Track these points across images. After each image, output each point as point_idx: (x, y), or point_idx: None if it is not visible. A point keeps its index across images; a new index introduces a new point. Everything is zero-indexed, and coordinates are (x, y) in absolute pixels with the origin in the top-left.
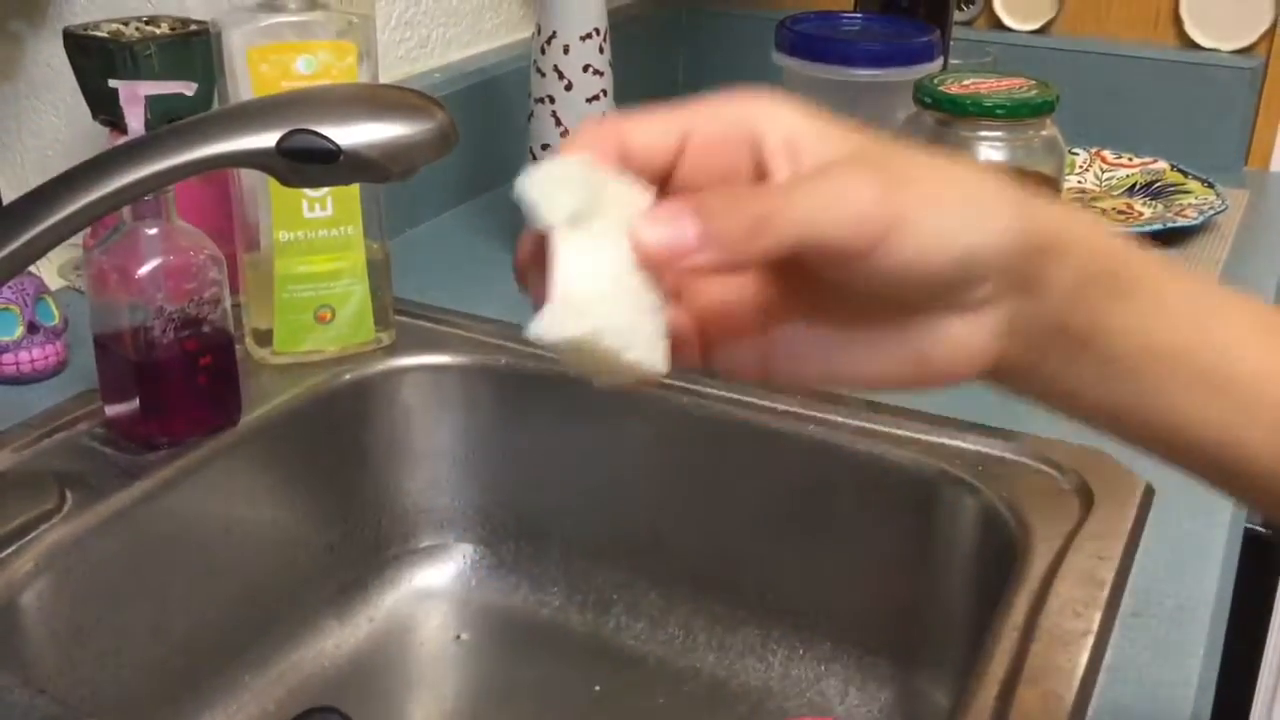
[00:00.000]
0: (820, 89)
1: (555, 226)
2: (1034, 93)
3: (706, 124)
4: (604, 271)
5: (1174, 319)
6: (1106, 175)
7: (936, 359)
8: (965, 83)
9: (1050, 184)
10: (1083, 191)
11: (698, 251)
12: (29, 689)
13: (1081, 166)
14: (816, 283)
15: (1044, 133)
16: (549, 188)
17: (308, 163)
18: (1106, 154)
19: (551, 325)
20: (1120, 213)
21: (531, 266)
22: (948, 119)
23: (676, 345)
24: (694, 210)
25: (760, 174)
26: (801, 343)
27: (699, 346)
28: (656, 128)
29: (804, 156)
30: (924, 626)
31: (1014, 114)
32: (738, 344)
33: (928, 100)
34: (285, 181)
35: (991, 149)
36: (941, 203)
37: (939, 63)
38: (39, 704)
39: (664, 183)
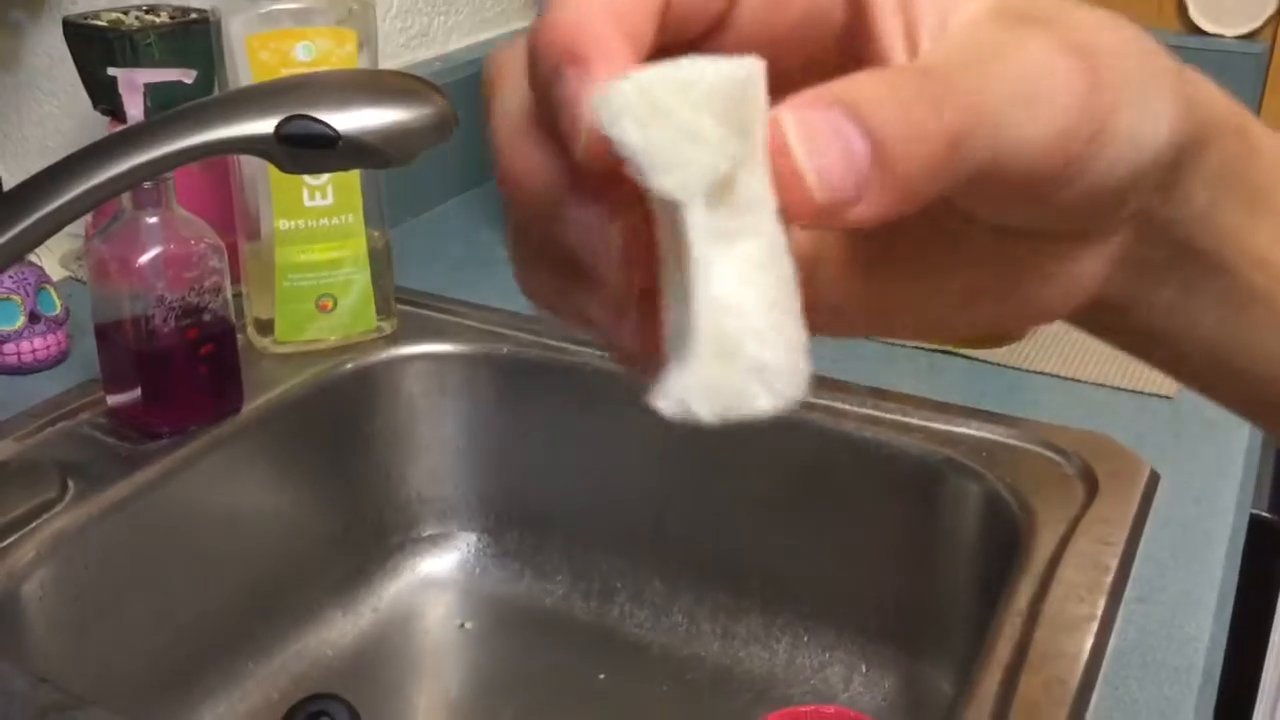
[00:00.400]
0: None
1: (689, 205)
2: None
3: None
4: (759, 288)
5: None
6: None
7: (1040, 300)
8: None
9: None
10: None
11: (873, 192)
12: (30, 677)
13: None
14: (925, 219)
15: None
16: (673, 134)
17: (306, 148)
18: None
19: (707, 395)
20: None
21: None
22: None
23: None
24: (858, 118)
25: (852, 27)
26: (874, 295)
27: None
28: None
29: (923, 4)
30: (928, 613)
31: None
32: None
33: None
34: (284, 168)
35: None
36: (1142, 93)
37: None
38: (40, 692)
39: (721, 25)
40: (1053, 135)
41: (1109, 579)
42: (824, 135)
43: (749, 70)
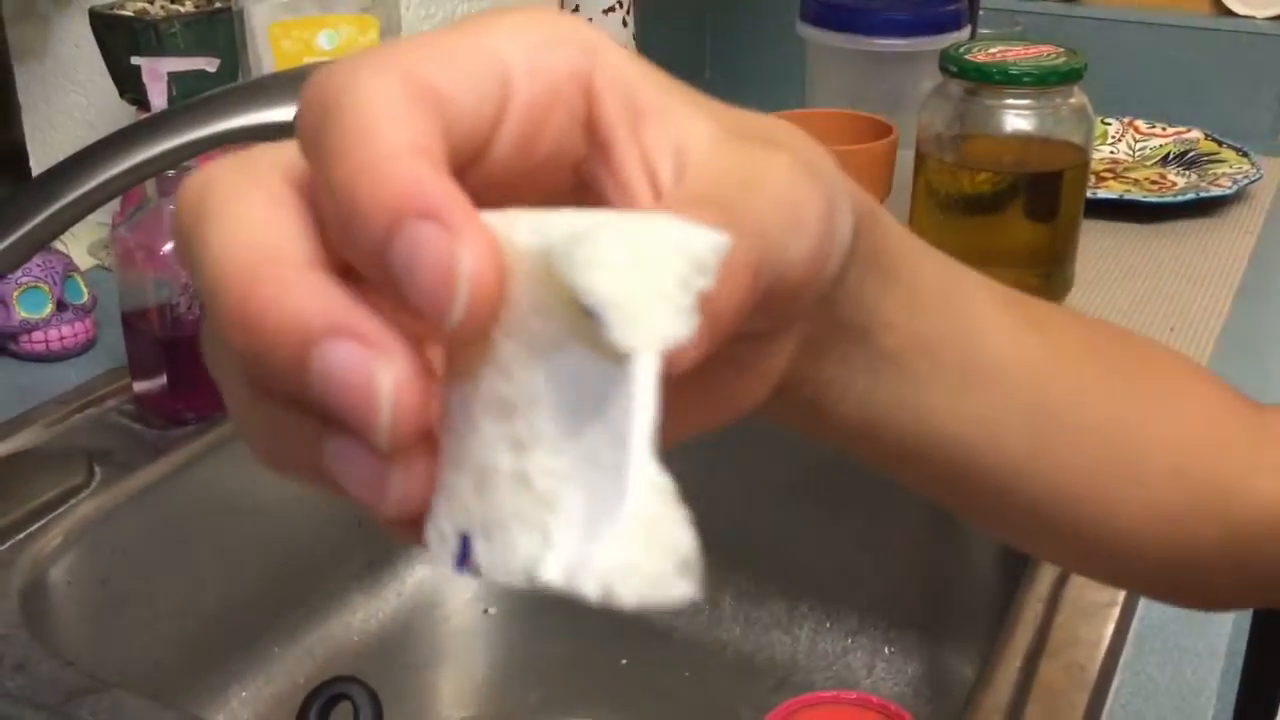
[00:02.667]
0: (845, 59)
1: (646, 364)
2: (1061, 60)
3: (529, 83)
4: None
5: (930, 307)
6: (1139, 145)
7: (737, 392)
8: (992, 51)
9: (1078, 153)
10: (1115, 162)
11: (702, 337)
12: (57, 660)
13: (1114, 136)
14: None
15: (1071, 101)
16: (649, 289)
17: None
18: (1139, 123)
19: (631, 579)
20: (1154, 183)
21: None
22: (974, 88)
23: None
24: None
25: (596, 147)
26: None
27: None
28: (471, 91)
29: (650, 125)
30: (950, 600)
31: (1041, 82)
32: None
33: (954, 69)
34: None
35: (1019, 117)
36: (842, 201)
37: (966, 31)
38: (67, 675)
39: (474, 163)
40: (811, 253)
41: None
42: None
43: (716, 243)
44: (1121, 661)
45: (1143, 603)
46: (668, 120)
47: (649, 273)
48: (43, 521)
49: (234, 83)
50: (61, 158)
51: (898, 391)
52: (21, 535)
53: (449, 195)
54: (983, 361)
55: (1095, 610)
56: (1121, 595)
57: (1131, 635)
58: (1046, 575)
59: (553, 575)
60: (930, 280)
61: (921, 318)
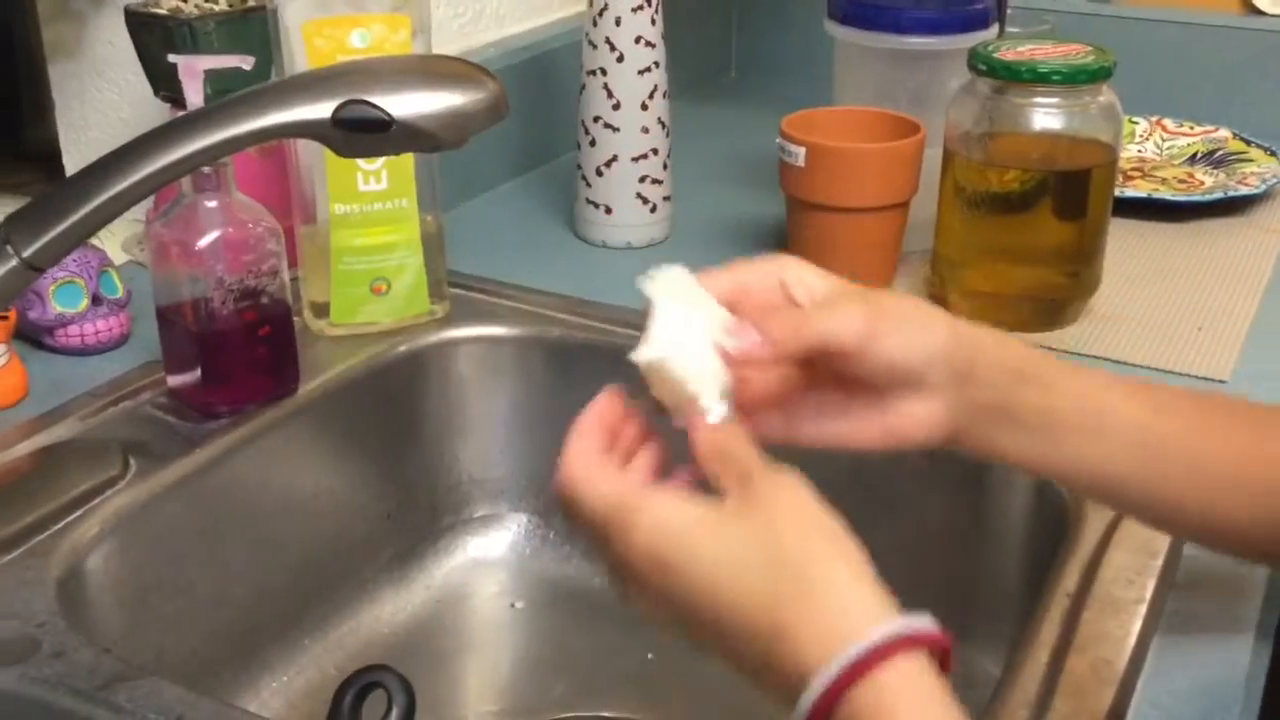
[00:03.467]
0: (872, 58)
1: (659, 300)
2: (1091, 58)
3: (757, 279)
4: (687, 334)
5: (1064, 394)
6: (1167, 144)
7: (900, 428)
8: (1021, 49)
9: (1107, 151)
10: (1143, 160)
11: (759, 350)
12: (96, 648)
13: (1142, 135)
14: (826, 371)
15: (1101, 99)
16: (661, 280)
17: (361, 132)
18: (1167, 122)
19: (641, 352)
20: (1181, 181)
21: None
22: (1002, 86)
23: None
24: (757, 326)
25: (788, 302)
26: (811, 414)
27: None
28: (726, 284)
29: (815, 292)
30: (975, 596)
31: (1070, 80)
32: (771, 412)
33: (982, 67)
34: (339, 151)
35: (1047, 115)
36: (904, 321)
37: (994, 30)
38: (105, 662)
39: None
40: (849, 332)
41: (1159, 562)
42: (740, 330)
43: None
44: (1149, 656)
45: (1171, 597)
46: (819, 287)
47: (668, 278)
48: (79, 512)
49: (268, 81)
50: (95, 155)
51: (1043, 446)
52: (59, 525)
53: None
54: (1104, 425)
55: (1123, 607)
56: (1149, 593)
57: (1158, 632)
58: (1073, 572)
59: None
60: (1065, 379)
61: (1057, 402)
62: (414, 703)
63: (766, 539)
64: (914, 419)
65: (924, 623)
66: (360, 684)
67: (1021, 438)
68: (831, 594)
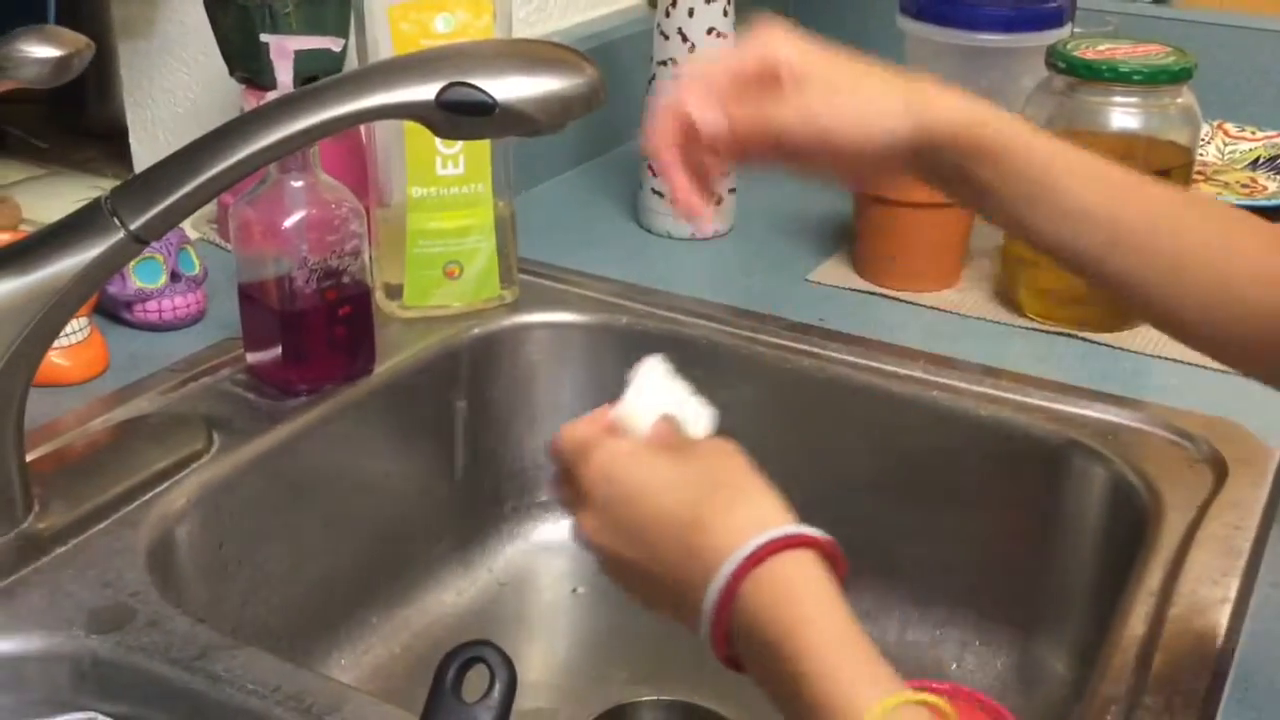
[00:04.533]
0: (945, 54)
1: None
2: (1171, 59)
3: (753, 60)
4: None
5: (1027, 169)
6: (1229, 148)
7: (867, 169)
8: (1100, 48)
9: (1184, 153)
10: (1204, 164)
11: (727, 141)
12: (189, 618)
13: (1204, 139)
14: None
15: (1179, 100)
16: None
17: (464, 115)
18: (1229, 127)
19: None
20: (1244, 186)
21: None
22: (1079, 84)
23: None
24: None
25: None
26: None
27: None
28: (722, 68)
29: (795, 69)
30: (1045, 594)
31: (1151, 80)
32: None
33: (1062, 65)
34: (440, 133)
35: (1126, 115)
36: (860, 104)
37: (1068, 28)
38: (199, 632)
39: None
40: (805, 130)
41: (1242, 562)
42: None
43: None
44: (1237, 655)
45: (1255, 599)
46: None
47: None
48: (167, 484)
49: (344, 66)
50: (162, 134)
51: (1012, 212)
52: (147, 496)
53: (663, 132)
54: (1066, 203)
55: (1209, 606)
56: (1234, 592)
57: (1245, 632)
58: (1155, 572)
59: None
60: (1029, 152)
61: (1021, 177)
62: (515, 679)
63: (697, 465)
64: (880, 164)
65: (818, 531)
66: (462, 658)
67: (984, 200)
68: (744, 501)
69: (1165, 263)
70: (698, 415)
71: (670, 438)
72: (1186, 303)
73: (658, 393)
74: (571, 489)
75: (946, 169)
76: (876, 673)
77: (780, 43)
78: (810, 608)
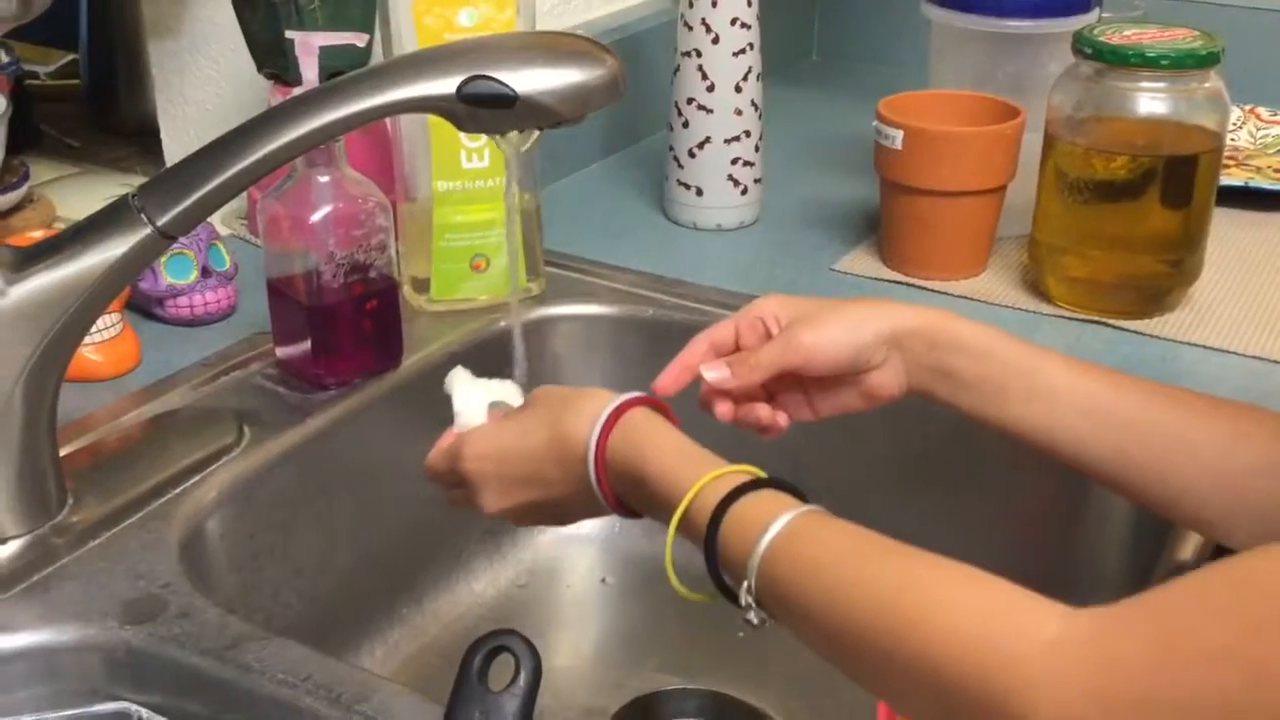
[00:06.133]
0: (970, 41)
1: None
2: (1199, 44)
3: (745, 323)
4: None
5: (1000, 364)
6: (1261, 133)
7: (872, 392)
8: (1126, 33)
9: (1213, 138)
10: (1236, 149)
11: (729, 382)
12: (220, 609)
13: (1235, 124)
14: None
15: (1207, 85)
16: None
17: (486, 108)
18: (1261, 111)
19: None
20: (1276, 170)
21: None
22: (1106, 70)
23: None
24: (725, 364)
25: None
26: (804, 399)
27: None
28: (723, 332)
29: (782, 322)
30: (1074, 580)
31: (1178, 65)
32: (776, 401)
33: (1088, 50)
34: (462, 126)
35: (1154, 100)
36: (837, 330)
37: (1095, 13)
38: (230, 623)
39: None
40: (794, 358)
41: None
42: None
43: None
44: None
45: None
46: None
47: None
48: (198, 477)
49: (370, 60)
50: (193, 131)
51: (985, 402)
52: (178, 490)
53: (697, 352)
54: (1034, 386)
55: None
56: None
57: None
58: (1187, 557)
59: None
60: (995, 347)
61: (989, 368)
62: (540, 668)
63: (533, 409)
64: (879, 384)
65: (648, 395)
66: (488, 647)
67: (967, 397)
68: (578, 401)
69: (1167, 448)
70: (514, 392)
71: (504, 412)
72: (1188, 490)
73: (476, 392)
74: (459, 489)
75: (925, 360)
76: (709, 468)
77: (765, 303)
78: (655, 439)
